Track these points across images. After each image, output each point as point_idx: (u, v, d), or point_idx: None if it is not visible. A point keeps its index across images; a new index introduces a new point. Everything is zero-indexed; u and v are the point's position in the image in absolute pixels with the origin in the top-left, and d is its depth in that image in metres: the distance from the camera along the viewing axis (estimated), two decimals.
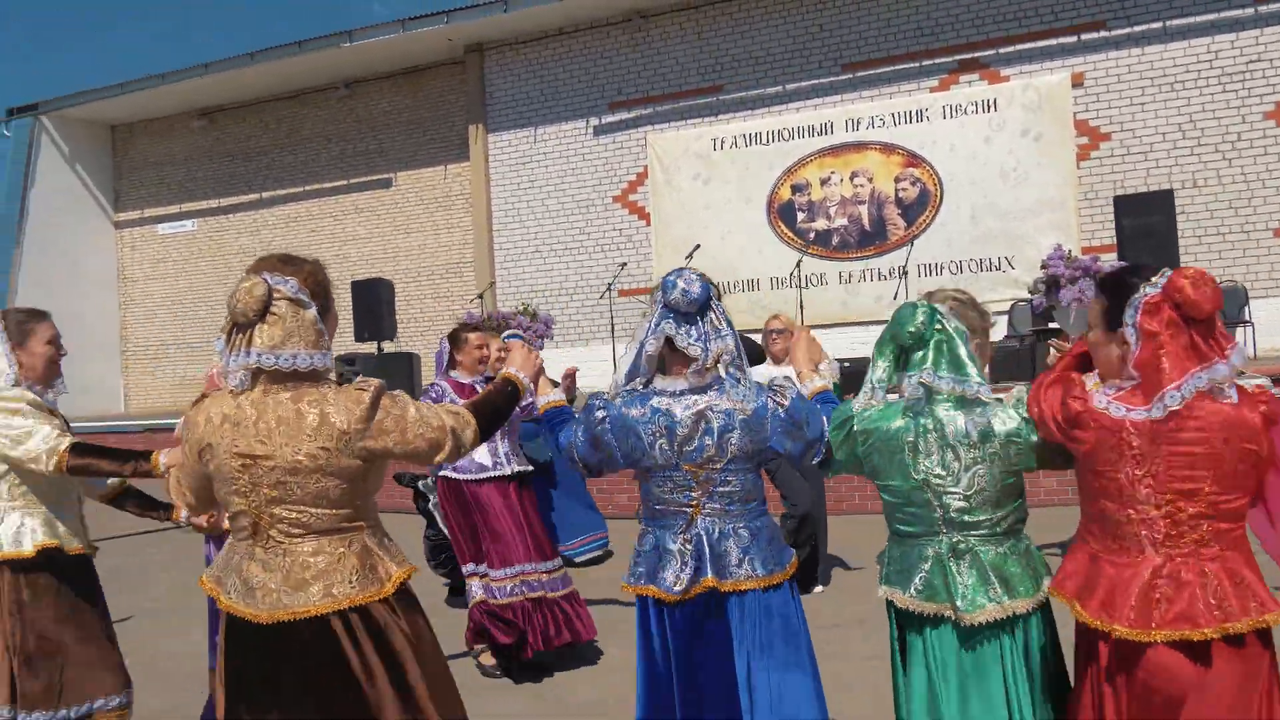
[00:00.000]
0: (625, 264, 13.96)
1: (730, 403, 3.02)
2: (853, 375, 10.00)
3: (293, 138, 18.49)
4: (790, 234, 14.87)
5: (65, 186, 19.39)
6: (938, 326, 2.87)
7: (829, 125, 14.56)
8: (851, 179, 14.52)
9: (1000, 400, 2.86)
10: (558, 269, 16.39)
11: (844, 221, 14.60)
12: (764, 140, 14.94)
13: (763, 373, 5.56)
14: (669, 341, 3.07)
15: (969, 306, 3.08)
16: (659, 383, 3.10)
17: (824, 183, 14.68)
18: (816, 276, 14.25)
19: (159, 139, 19.76)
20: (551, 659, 5.36)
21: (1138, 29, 12.92)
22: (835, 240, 14.64)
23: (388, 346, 12.68)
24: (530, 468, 5.60)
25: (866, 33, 14.32)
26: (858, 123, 14.41)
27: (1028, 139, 13.47)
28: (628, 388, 3.14)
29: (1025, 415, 2.75)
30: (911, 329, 2.86)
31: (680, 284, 3.06)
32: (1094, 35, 13.12)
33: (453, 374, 5.46)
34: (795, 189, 14.84)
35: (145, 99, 18.36)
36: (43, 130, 18.94)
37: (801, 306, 12.41)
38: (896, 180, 14.25)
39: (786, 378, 3.24)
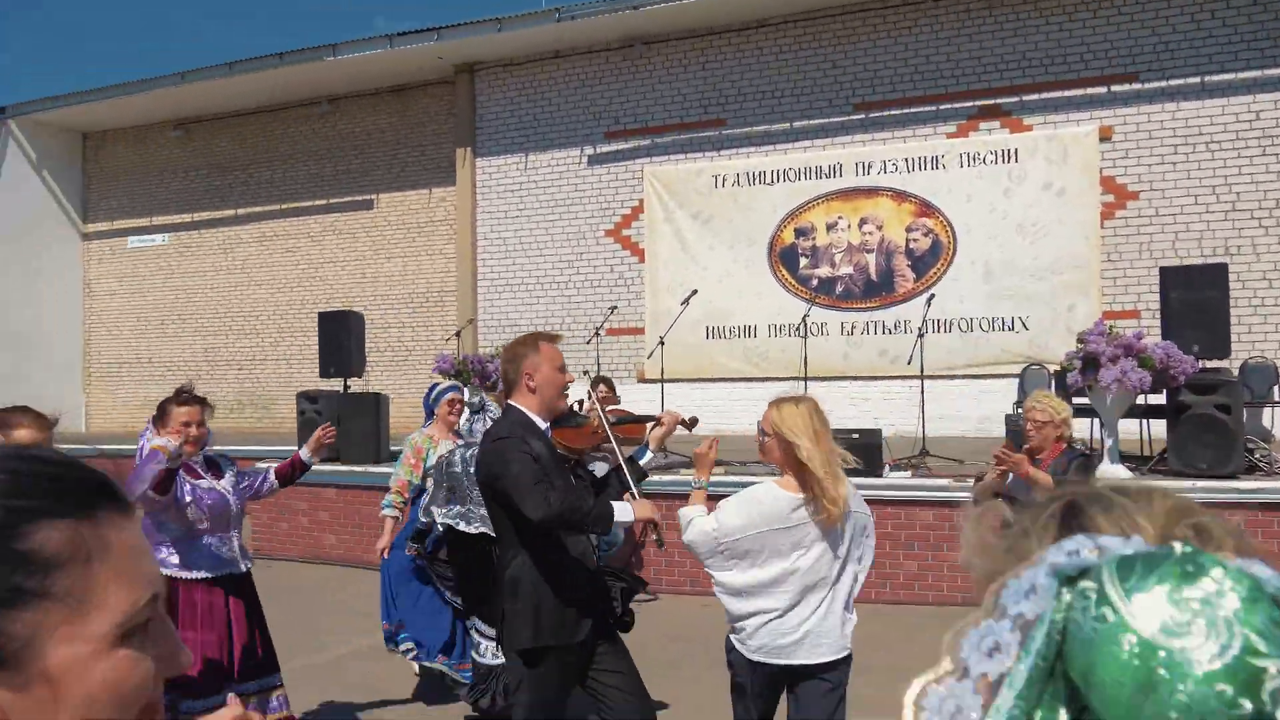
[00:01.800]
0: (615, 307, 13.10)
1: None
2: (849, 449, 9.16)
3: (271, 153, 17.59)
4: (792, 280, 14.02)
5: (32, 194, 18.45)
6: None
7: (838, 167, 13.73)
8: (860, 225, 13.69)
9: None
10: (543, 303, 15.51)
11: (849, 270, 13.75)
12: (768, 179, 14.11)
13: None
14: None
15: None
16: None
17: (830, 228, 13.84)
18: (817, 326, 13.38)
19: (132, 148, 18.83)
20: None
21: (1173, 83, 12.13)
22: (839, 289, 13.79)
23: (355, 385, 11.75)
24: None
25: (882, 72, 13.51)
26: (869, 166, 13.58)
27: (1050, 193, 12.65)
28: None
29: None
30: None
31: None
32: (1125, 87, 12.33)
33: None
34: (799, 233, 13.99)
35: (119, 106, 17.47)
36: (9, 135, 18.01)
37: (806, 360, 11.55)
38: (908, 229, 13.42)
39: None
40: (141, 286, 18.79)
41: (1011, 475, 5.25)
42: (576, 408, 4.27)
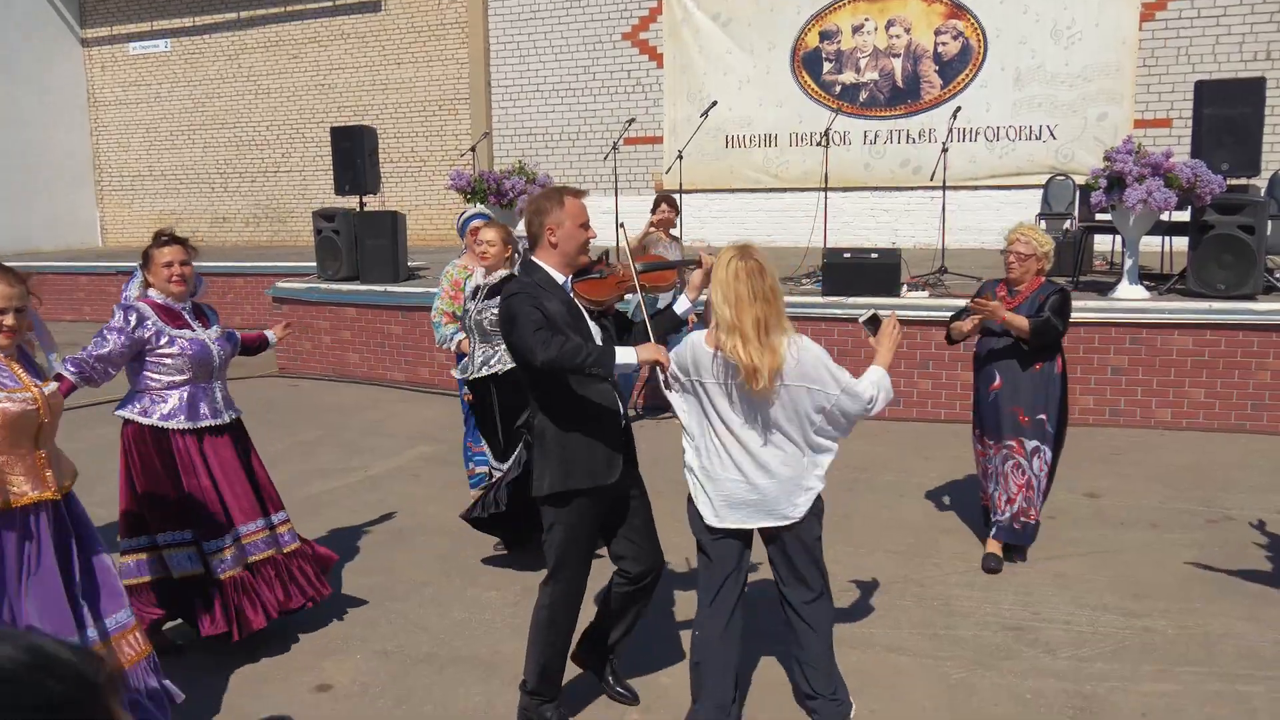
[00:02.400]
0: (634, 119, 12.77)
1: None
2: (866, 269, 9.07)
3: None
4: (814, 86, 13.61)
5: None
6: None
7: None
8: (887, 28, 13.16)
9: None
10: (559, 111, 15.18)
11: (874, 76, 13.32)
12: None
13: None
14: None
15: None
16: None
17: (856, 31, 13.32)
18: (839, 135, 13.08)
19: None
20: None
21: None
22: (863, 96, 13.39)
23: (370, 203, 11.64)
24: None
25: None
26: None
27: None
28: None
29: None
30: None
31: None
32: None
33: (150, 294, 4.38)
34: (824, 36, 13.48)
35: None
36: None
37: (826, 170, 11.30)
38: (936, 33, 12.90)
39: None
40: (147, 96, 18.40)
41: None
42: (611, 255, 4.17)
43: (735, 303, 3.36)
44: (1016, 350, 5.28)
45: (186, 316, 4.43)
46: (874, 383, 3.53)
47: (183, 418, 4.36)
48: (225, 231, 17.91)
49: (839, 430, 3.57)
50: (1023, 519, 5.27)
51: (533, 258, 3.73)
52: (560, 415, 3.65)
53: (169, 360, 4.32)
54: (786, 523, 3.55)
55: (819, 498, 3.61)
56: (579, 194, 3.75)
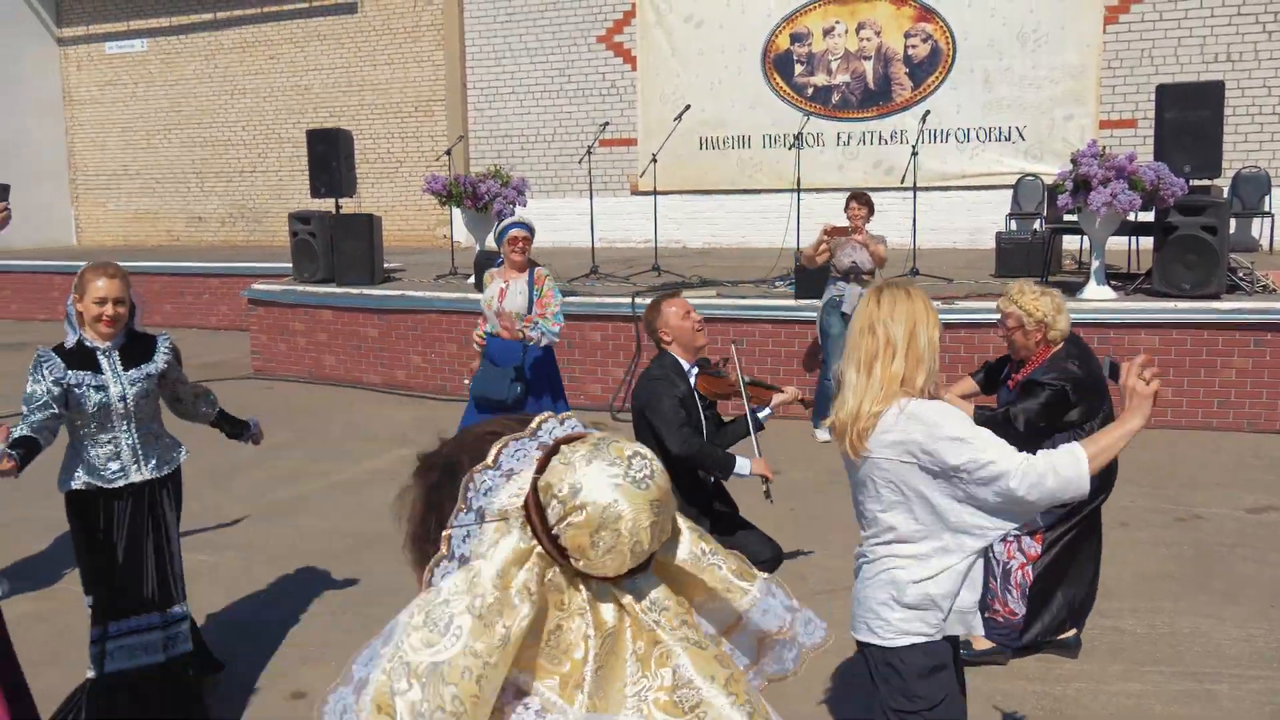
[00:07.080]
0: (608, 123, 12.87)
1: None
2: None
3: None
4: (787, 88, 13.73)
5: None
6: None
7: None
8: (857, 31, 13.29)
9: None
10: (535, 113, 15.24)
11: (846, 78, 13.45)
12: None
13: None
14: None
15: None
16: None
17: (827, 33, 13.44)
18: (812, 137, 13.20)
19: None
20: None
21: None
22: (835, 98, 13.53)
23: (346, 205, 11.68)
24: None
25: None
26: None
27: None
28: None
29: None
30: None
31: None
32: None
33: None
34: (795, 39, 13.61)
35: None
36: None
37: (799, 176, 11.41)
38: (906, 36, 13.04)
39: None
40: (123, 95, 18.36)
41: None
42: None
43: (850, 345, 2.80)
44: (1001, 425, 3.89)
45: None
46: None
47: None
48: (201, 231, 17.89)
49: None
50: (986, 613, 4.15)
51: (664, 348, 4.49)
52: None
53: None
54: None
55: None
56: (674, 294, 4.64)
